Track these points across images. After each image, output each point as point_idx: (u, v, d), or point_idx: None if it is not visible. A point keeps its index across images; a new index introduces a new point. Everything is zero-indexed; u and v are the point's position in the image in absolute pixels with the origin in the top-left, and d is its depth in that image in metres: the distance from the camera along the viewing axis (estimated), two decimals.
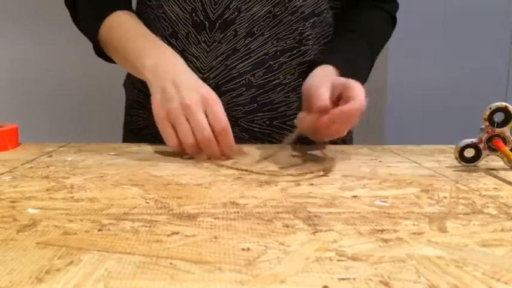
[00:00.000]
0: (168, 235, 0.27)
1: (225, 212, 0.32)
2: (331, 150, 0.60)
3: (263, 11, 0.62)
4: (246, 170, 0.45)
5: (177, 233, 0.28)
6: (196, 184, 0.41)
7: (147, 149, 0.59)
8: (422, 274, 0.22)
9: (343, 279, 0.22)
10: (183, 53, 0.64)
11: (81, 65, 1.44)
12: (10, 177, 0.43)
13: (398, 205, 0.34)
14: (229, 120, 0.64)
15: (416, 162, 0.51)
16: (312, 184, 0.41)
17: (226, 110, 0.64)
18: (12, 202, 0.34)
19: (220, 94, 0.63)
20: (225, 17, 0.62)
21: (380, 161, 0.52)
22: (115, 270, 0.22)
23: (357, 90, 0.49)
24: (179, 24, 0.64)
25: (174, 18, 0.64)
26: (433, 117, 1.77)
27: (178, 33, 0.64)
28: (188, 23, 0.63)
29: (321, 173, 0.45)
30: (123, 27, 0.63)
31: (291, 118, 0.66)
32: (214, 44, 0.62)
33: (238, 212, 0.32)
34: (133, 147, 0.61)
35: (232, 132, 0.65)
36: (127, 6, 0.67)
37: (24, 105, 1.48)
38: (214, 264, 0.23)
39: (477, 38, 1.71)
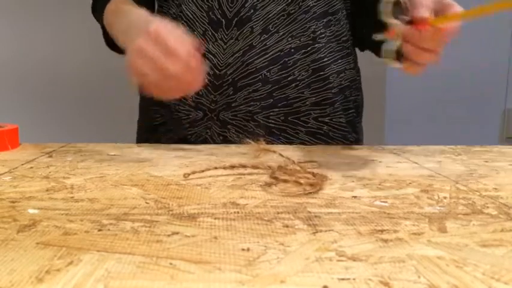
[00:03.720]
0: (168, 235, 0.27)
1: (225, 212, 0.32)
2: (331, 150, 0.60)
3: (278, 9, 0.63)
4: (244, 167, 0.45)
5: (177, 233, 0.28)
6: (196, 184, 0.41)
7: (147, 149, 0.60)
8: (422, 274, 0.22)
9: (343, 279, 0.22)
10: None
11: (82, 65, 1.44)
12: (10, 177, 0.43)
13: (398, 205, 0.34)
14: (246, 115, 0.66)
15: (416, 163, 0.51)
16: (312, 184, 0.40)
17: (243, 105, 0.65)
18: (12, 202, 0.34)
19: (236, 90, 0.65)
20: (241, 14, 0.63)
21: (380, 161, 0.52)
22: (115, 270, 0.22)
23: (456, 9, 0.47)
24: (196, 23, 0.65)
25: (192, 16, 0.65)
26: (433, 117, 1.77)
27: (196, 31, 0.65)
28: (205, 21, 0.64)
29: (320, 174, 0.45)
30: (116, 10, 0.65)
31: (305, 114, 0.67)
32: (231, 41, 0.63)
33: (238, 212, 0.32)
34: (134, 147, 0.61)
35: (248, 127, 0.66)
36: None
37: (24, 105, 1.48)
38: (214, 264, 0.23)
39: (477, 38, 1.71)
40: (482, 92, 1.75)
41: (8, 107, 1.45)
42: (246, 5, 0.63)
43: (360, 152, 0.59)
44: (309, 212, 0.32)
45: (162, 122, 0.71)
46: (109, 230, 0.28)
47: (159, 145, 0.64)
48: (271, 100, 0.65)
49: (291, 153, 0.57)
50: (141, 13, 0.56)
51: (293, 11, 0.63)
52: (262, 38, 0.63)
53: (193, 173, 0.43)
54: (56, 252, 0.25)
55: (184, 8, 0.65)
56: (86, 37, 1.37)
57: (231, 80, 0.64)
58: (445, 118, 1.77)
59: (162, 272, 0.22)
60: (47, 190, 0.38)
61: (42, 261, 0.23)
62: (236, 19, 0.63)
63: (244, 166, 0.45)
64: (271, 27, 0.63)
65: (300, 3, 0.64)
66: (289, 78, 0.65)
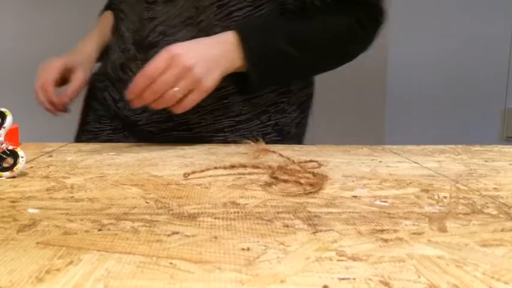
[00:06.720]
0: (168, 235, 0.27)
1: (225, 212, 0.32)
2: (331, 150, 0.60)
3: (188, 36, 0.62)
4: (245, 167, 0.45)
5: (177, 232, 0.28)
6: (196, 184, 0.41)
7: (147, 148, 0.60)
8: (422, 274, 0.22)
9: (343, 279, 0.22)
10: (123, 67, 0.70)
11: None
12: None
13: (398, 205, 0.34)
14: (147, 135, 0.70)
15: (416, 162, 0.51)
16: (312, 184, 0.40)
17: (146, 125, 0.69)
18: (13, 202, 0.34)
19: (143, 110, 0.68)
20: (150, 39, 0.66)
21: (380, 161, 0.52)
22: (115, 270, 0.22)
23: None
24: (126, 41, 0.69)
25: (124, 34, 0.70)
26: (433, 117, 1.77)
27: (126, 48, 0.69)
28: (130, 41, 0.68)
29: (321, 174, 0.45)
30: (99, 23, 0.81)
31: (206, 140, 0.68)
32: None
33: (238, 212, 0.32)
34: (133, 147, 0.61)
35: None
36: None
37: (24, 105, 1.47)
38: (214, 264, 0.23)
39: (477, 37, 1.71)
40: (482, 91, 1.75)
41: (7, 107, 1.45)
42: (156, 30, 0.65)
43: (359, 152, 0.59)
44: (309, 212, 0.32)
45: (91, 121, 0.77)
46: (109, 229, 0.28)
47: (159, 145, 0.64)
48: (171, 124, 0.66)
49: (291, 153, 0.57)
50: (84, 43, 0.79)
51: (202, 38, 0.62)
52: None
53: (193, 172, 0.43)
54: (56, 252, 0.25)
55: (121, 24, 0.71)
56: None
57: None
58: (445, 118, 1.77)
59: (162, 272, 0.22)
60: (47, 190, 0.38)
61: (42, 261, 0.23)
62: (146, 43, 0.66)
63: (244, 166, 0.45)
64: None
65: (209, 32, 0.63)
66: None
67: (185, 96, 0.57)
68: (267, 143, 0.70)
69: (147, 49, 0.64)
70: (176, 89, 0.56)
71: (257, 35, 0.62)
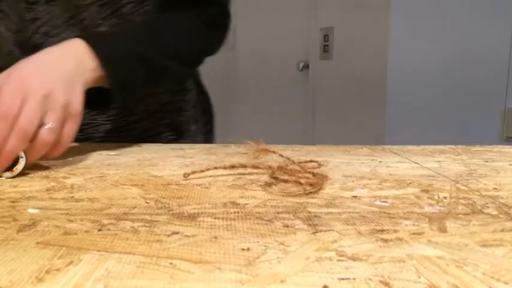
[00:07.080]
0: (168, 235, 0.27)
1: (225, 212, 0.32)
2: (331, 150, 0.60)
3: (72, 36, 0.58)
4: (245, 167, 0.45)
5: (177, 233, 0.28)
6: (196, 184, 0.41)
7: (147, 149, 0.60)
8: (422, 274, 0.22)
9: (343, 279, 0.22)
10: (2, 70, 0.63)
11: None
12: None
13: (398, 205, 0.34)
14: None
15: (416, 163, 0.51)
16: (312, 184, 0.40)
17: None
18: (13, 202, 0.34)
19: None
20: (33, 40, 0.64)
21: (380, 161, 0.52)
22: (115, 270, 0.22)
23: None
24: (4, 42, 0.67)
25: (3, 34, 0.67)
26: (433, 117, 1.77)
27: (3, 50, 0.67)
28: (11, 42, 0.66)
29: (321, 174, 0.45)
30: None
31: (96, 140, 0.68)
32: None
33: (238, 212, 0.32)
34: (134, 147, 0.61)
35: None
36: None
37: None
38: (214, 264, 0.23)
39: (477, 37, 1.71)
40: (482, 91, 1.75)
41: None
42: (39, 31, 0.64)
43: (359, 152, 0.59)
44: (309, 212, 0.32)
45: None
46: (109, 229, 0.28)
47: (159, 145, 0.64)
48: None
49: (291, 153, 0.57)
50: None
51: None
52: None
53: (193, 172, 0.43)
54: (56, 252, 0.25)
55: (0, 24, 0.67)
56: None
57: None
58: (445, 118, 1.77)
59: (162, 272, 0.22)
60: (47, 190, 0.38)
61: (42, 261, 0.23)
62: (30, 44, 0.64)
63: (244, 166, 0.45)
64: None
65: (95, 30, 0.62)
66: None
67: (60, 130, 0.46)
68: (162, 141, 0.71)
69: (32, 50, 0.54)
70: (49, 125, 0.44)
71: (106, 41, 0.57)
